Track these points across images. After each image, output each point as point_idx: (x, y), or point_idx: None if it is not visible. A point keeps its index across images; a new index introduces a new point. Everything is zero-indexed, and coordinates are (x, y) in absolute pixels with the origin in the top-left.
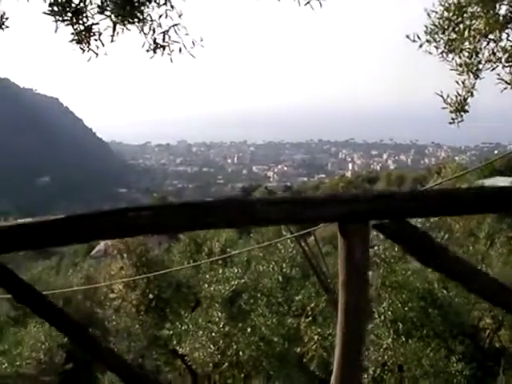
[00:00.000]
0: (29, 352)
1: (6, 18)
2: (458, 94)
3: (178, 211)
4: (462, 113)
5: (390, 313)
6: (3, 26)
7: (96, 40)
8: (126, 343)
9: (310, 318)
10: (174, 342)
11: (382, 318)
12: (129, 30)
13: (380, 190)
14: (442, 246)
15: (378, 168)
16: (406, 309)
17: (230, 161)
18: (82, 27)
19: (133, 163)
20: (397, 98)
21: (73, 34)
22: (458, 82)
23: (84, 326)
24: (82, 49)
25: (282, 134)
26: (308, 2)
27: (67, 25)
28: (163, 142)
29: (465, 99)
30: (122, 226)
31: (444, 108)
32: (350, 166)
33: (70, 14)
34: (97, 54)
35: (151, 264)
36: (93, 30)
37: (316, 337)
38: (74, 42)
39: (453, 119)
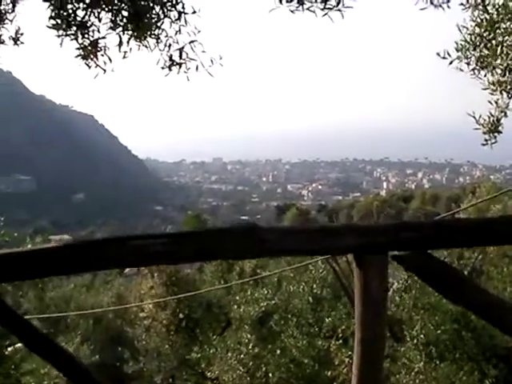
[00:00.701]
0: (57, 371)
1: (21, 34)
2: (490, 114)
3: (189, 240)
4: (496, 134)
5: (422, 336)
6: (18, 42)
7: (103, 55)
8: (156, 363)
9: (341, 341)
10: (203, 365)
11: (415, 341)
12: (146, 46)
13: (400, 221)
14: (467, 279)
15: (413, 187)
16: (439, 331)
17: (264, 179)
18: (87, 42)
19: (168, 180)
20: (431, 117)
21: (78, 48)
22: (490, 102)
23: (75, 357)
24: (87, 65)
25: (317, 152)
26: (326, 14)
27: (72, 40)
28: (198, 160)
29: (498, 120)
30: (136, 254)
31: (476, 129)
32: (385, 184)
33: (74, 28)
34: (104, 71)
35: (182, 283)
36: (99, 45)
37: (347, 360)
38: (80, 57)
39: (486, 140)
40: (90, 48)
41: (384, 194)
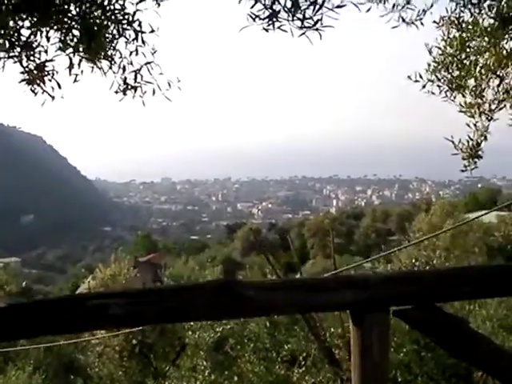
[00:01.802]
0: None
1: None
2: (469, 138)
3: (151, 300)
4: (476, 159)
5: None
6: None
7: (50, 80)
8: None
9: (304, 368)
10: None
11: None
12: (99, 68)
13: (398, 271)
14: (481, 336)
15: (363, 204)
16: (401, 354)
17: (214, 198)
18: (33, 65)
19: (117, 201)
20: (379, 133)
21: (22, 72)
22: (469, 125)
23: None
24: (33, 91)
25: (266, 171)
26: (303, 33)
27: (15, 62)
28: (147, 180)
29: (478, 144)
30: (93, 316)
31: (454, 154)
32: (335, 202)
33: (18, 49)
34: (53, 98)
35: None
36: (47, 69)
37: None
38: (24, 82)
39: (465, 166)
40: (36, 72)
41: (334, 212)
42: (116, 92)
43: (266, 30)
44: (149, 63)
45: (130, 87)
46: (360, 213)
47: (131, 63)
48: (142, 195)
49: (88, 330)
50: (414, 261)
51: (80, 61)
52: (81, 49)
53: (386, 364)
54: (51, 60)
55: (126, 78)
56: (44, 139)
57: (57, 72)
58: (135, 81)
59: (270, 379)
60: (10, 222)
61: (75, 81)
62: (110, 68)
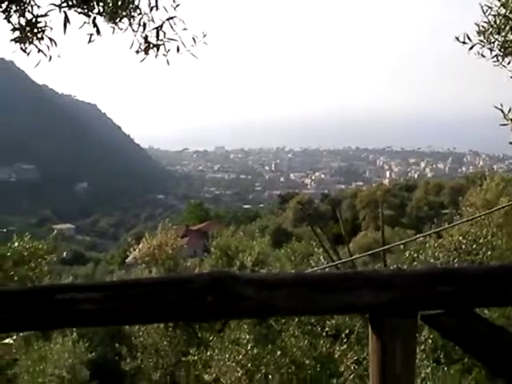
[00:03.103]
0: (52, 369)
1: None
2: None
3: (129, 295)
4: None
5: (430, 341)
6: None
7: (42, 38)
8: (154, 360)
9: (345, 346)
10: (201, 367)
11: (422, 346)
12: (120, 28)
13: (439, 267)
14: None
15: (416, 176)
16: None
17: (267, 168)
18: (26, 20)
19: (170, 169)
20: (434, 105)
21: (13, 29)
22: None
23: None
24: (23, 50)
25: (319, 141)
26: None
27: (5, 18)
28: (201, 149)
29: None
30: (62, 312)
31: (503, 125)
32: (388, 173)
33: (6, 3)
34: (50, 58)
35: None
36: (40, 25)
37: (352, 366)
38: (15, 41)
39: None
40: (28, 28)
41: (387, 184)
42: (137, 52)
43: None
44: (171, 18)
45: (152, 46)
46: (413, 185)
47: (152, 20)
48: (195, 164)
49: (55, 327)
50: (461, 238)
51: (94, 18)
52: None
53: (409, 378)
54: (45, 15)
55: (147, 36)
56: (98, 107)
57: (51, 28)
58: (157, 39)
59: (314, 354)
60: (64, 190)
61: (90, 41)
62: (130, 25)
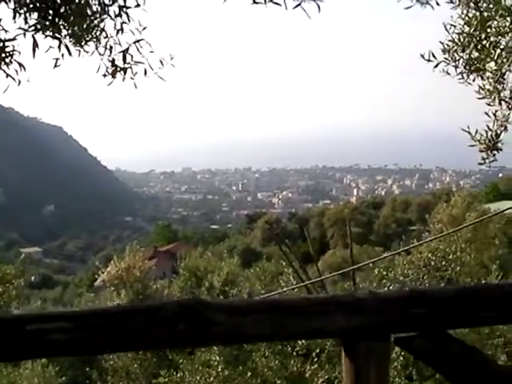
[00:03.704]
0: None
1: None
2: (488, 128)
3: (99, 325)
4: (495, 151)
5: (401, 358)
6: None
7: (10, 63)
8: (125, 383)
9: (316, 365)
10: None
11: (394, 364)
12: (86, 51)
13: (411, 289)
14: (504, 369)
15: (383, 193)
16: None
17: (234, 188)
18: None
19: (138, 191)
20: (400, 123)
21: None
22: (487, 114)
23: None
24: None
25: (286, 160)
26: (298, 5)
27: None
28: (168, 170)
29: (497, 135)
30: (32, 343)
31: (472, 146)
32: (355, 191)
33: None
34: (19, 82)
35: (150, 300)
36: (7, 49)
37: None
38: None
39: (483, 159)
40: None
41: (354, 201)
42: (104, 75)
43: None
44: (138, 41)
45: (119, 69)
46: (380, 202)
47: (119, 43)
48: (162, 185)
49: (25, 359)
50: (430, 255)
51: (60, 42)
52: (47, 27)
53: None
54: (13, 39)
55: (114, 60)
56: (64, 130)
57: (19, 53)
58: (124, 62)
59: (285, 374)
60: (31, 213)
61: (56, 66)
62: (96, 49)
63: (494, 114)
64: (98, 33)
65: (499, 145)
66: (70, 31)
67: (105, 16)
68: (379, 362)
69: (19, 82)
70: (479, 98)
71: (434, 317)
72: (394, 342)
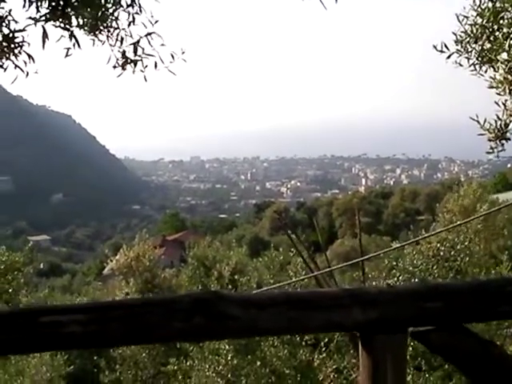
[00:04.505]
0: (30, 383)
1: None
2: (497, 117)
3: (116, 317)
4: (504, 141)
5: (410, 348)
6: None
7: (19, 53)
8: (133, 372)
9: (325, 354)
10: (180, 377)
11: None
12: (100, 40)
13: (429, 284)
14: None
15: (392, 183)
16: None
17: (243, 177)
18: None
19: (146, 180)
20: (409, 112)
21: None
22: (497, 104)
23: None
24: (1, 66)
25: (295, 149)
26: None
27: None
28: (176, 159)
29: (506, 125)
30: (47, 335)
31: (481, 135)
32: (364, 181)
33: None
34: (27, 74)
35: (158, 289)
36: (17, 40)
37: (332, 374)
38: None
39: (492, 148)
40: (4, 43)
41: (363, 191)
42: (114, 67)
43: None
44: (149, 34)
45: (129, 61)
46: (389, 192)
47: (130, 35)
48: (170, 174)
49: (40, 351)
50: (439, 245)
51: (72, 32)
52: (57, 17)
53: None
54: (22, 30)
55: (124, 52)
56: (73, 118)
57: (28, 44)
58: (135, 54)
59: (294, 364)
60: (39, 201)
61: (67, 55)
62: (107, 39)
63: (504, 104)
64: (110, 23)
65: (508, 134)
66: (80, 21)
67: (117, 6)
68: (396, 355)
69: (27, 74)
70: (489, 87)
71: (450, 310)
72: (411, 335)
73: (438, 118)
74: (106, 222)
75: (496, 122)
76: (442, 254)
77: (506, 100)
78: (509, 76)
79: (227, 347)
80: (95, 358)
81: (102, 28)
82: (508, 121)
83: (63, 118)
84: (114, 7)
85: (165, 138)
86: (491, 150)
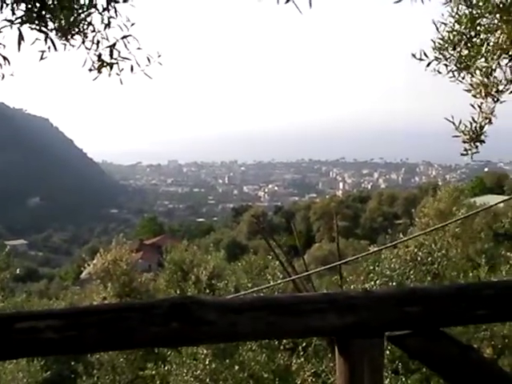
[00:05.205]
0: None
1: None
2: (473, 120)
3: (92, 322)
4: (478, 143)
5: (387, 352)
6: None
7: None
8: (111, 376)
9: (303, 359)
10: (158, 382)
11: None
12: (72, 45)
13: (405, 289)
14: (501, 370)
15: (369, 187)
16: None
17: (220, 181)
18: None
19: (124, 184)
20: (386, 116)
21: None
22: (473, 106)
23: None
24: None
25: (272, 153)
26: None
27: None
28: (154, 163)
29: (481, 127)
30: (23, 342)
31: (456, 136)
32: (341, 185)
33: None
34: (3, 76)
35: (135, 293)
36: None
37: (310, 378)
38: None
39: (466, 150)
40: None
41: (340, 195)
42: (90, 70)
43: None
44: (125, 37)
45: (105, 64)
46: (366, 196)
47: (106, 38)
48: (148, 178)
49: (15, 357)
50: (416, 250)
51: (47, 35)
52: (33, 20)
53: None
54: None
55: (100, 55)
56: (50, 121)
57: (3, 46)
58: (111, 57)
59: (272, 368)
60: (16, 205)
61: (42, 58)
62: (83, 43)
63: (480, 107)
64: (84, 26)
65: (482, 137)
66: (56, 24)
67: (92, 10)
68: (373, 359)
69: (3, 76)
70: (465, 90)
71: (428, 314)
72: (388, 339)
73: (416, 122)
74: (84, 225)
75: (471, 123)
76: (419, 258)
77: (481, 103)
78: (485, 79)
79: (205, 351)
80: (72, 363)
81: (73, 33)
82: (483, 123)
83: (40, 121)
84: (88, 11)
85: (142, 142)
86: (465, 152)
